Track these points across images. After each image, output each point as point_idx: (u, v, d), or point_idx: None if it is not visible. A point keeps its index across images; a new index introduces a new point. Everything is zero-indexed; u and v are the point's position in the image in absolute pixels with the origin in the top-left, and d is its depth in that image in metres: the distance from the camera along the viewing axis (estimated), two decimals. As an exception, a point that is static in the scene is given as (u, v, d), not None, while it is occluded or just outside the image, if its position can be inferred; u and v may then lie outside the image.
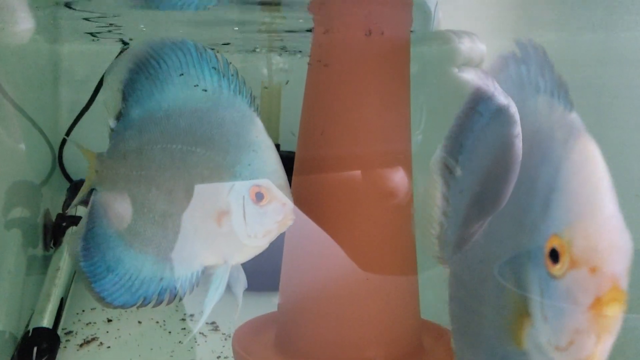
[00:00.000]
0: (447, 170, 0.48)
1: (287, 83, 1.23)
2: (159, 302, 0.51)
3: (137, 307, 0.51)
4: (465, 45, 0.73)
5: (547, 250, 0.37)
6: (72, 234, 0.53)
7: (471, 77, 0.45)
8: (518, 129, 0.40)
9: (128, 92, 0.50)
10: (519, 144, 0.41)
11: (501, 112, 0.43)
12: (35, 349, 0.78)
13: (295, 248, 0.66)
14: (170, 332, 0.95)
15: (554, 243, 0.36)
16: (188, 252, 0.51)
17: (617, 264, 0.35)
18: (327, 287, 0.63)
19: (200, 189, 0.50)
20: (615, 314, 0.35)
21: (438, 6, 0.86)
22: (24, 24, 0.59)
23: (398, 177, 0.63)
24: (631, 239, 0.36)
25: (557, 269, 0.36)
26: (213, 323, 0.98)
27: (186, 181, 0.50)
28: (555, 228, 0.37)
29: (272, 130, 1.25)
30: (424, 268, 0.66)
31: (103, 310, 1.01)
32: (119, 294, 0.51)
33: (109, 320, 0.97)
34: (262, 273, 0.83)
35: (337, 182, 0.62)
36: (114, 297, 0.51)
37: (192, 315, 1.01)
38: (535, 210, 0.39)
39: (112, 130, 0.52)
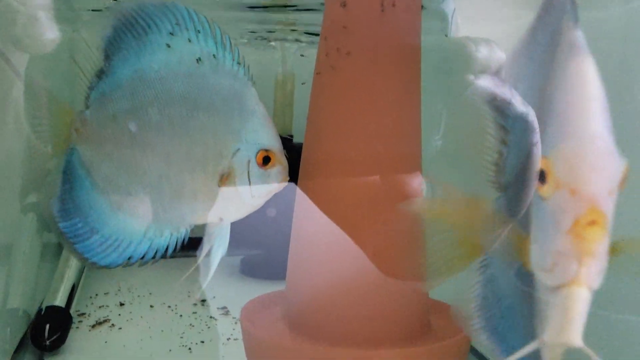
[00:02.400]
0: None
1: (303, 84, 1.23)
2: (145, 262, 0.51)
3: (123, 267, 0.51)
4: (482, 53, 0.73)
5: (537, 171, 0.37)
6: (44, 193, 0.53)
7: (487, 84, 0.45)
8: (537, 137, 0.40)
9: (112, 50, 0.51)
10: (537, 152, 0.41)
11: (521, 120, 0.43)
12: (47, 326, 0.80)
13: (302, 231, 0.66)
14: (181, 316, 0.95)
15: (542, 164, 0.36)
16: (182, 212, 0.52)
17: (597, 185, 0.34)
18: (334, 265, 0.63)
19: (202, 152, 0.51)
20: (594, 236, 0.34)
21: (455, 13, 0.85)
22: (49, 34, 0.61)
23: (410, 178, 0.63)
24: (621, 161, 0.35)
25: (544, 190, 0.36)
26: (224, 308, 0.98)
27: (186, 144, 0.51)
28: (546, 149, 0.37)
29: (286, 121, 1.25)
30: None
31: (116, 294, 1.03)
32: (105, 255, 0.51)
33: (122, 304, 0.99)
34: (273, 262, 0.83)
35: (343, 184, 0.63)
36: (100, 257, 0.51)
37: (203, 301, 1.01)
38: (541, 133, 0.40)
39: (90, 88, 0.52)
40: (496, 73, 0.47)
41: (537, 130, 0.41)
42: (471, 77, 0.47)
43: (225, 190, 0.52)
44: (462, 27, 0.84)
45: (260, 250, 1.16)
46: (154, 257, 0.51)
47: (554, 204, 0.36)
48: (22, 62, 0.72)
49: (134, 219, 0.52)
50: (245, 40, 1.16)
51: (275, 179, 0.53)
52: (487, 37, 0.75)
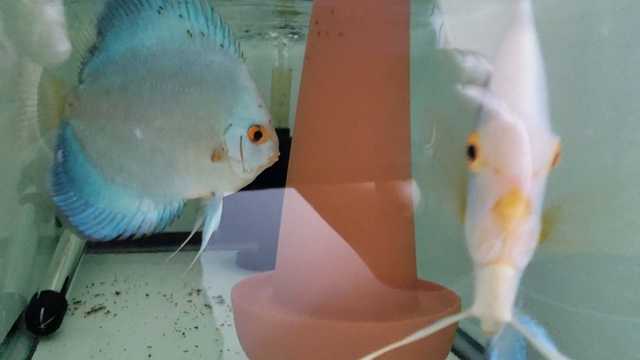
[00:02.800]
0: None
1: (290, 70, 1.25)
2: (139, 235, 0.52)
3: (116, 239, 0.52)
4: (469, 64, 0.74)
5: (467, 146, 0.36)
6: (38, 168, 0.54)
7: (474, 95, 0.46)
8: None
9: (104, 26, 0.51)
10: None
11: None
12: (42, 310, 0.80)
13: (292, 213, 0.67)
14: (176, 304, 0.96)
15: (472, 140, 0.36)
16: (175, 186, 0.53)
17: (521, 167, 0.34)
18: (322, 241, 0.63)
19: (194, 127, 0.52)
20: (515, 217, 0.34)
21: (443, 25, 0.86)
22: (62, 45, 0.63)
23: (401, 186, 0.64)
24: (551, 140, 0.34)
25: (474, 166, 0.36)
26: (219, 297, 0.99)
27: (179, 119, 0.52)
28: (477, 124, 0.36)
29: (283, 115, 1.26)
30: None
31: (112, 284, 1.04)
32: (99, 227, 0.51)
33: (117, 293, 0.99)
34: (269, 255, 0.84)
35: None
36: (94, 230, 0.51)
37: (199, 291, 1.02)
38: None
39: (83, 63, 0.52)
40: (484, 84, 0.47)
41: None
42: (458, 87, 0.47)
43: (217, 165, 0.53)
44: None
45: (256, 243, 1.17)
46: (147, 230, 0.52)
47: (481, 181, 0.35)
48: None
49: (128, 193, 0.52)
50: (242, 37, 1.17)
51: (267, 153, 0.54)
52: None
